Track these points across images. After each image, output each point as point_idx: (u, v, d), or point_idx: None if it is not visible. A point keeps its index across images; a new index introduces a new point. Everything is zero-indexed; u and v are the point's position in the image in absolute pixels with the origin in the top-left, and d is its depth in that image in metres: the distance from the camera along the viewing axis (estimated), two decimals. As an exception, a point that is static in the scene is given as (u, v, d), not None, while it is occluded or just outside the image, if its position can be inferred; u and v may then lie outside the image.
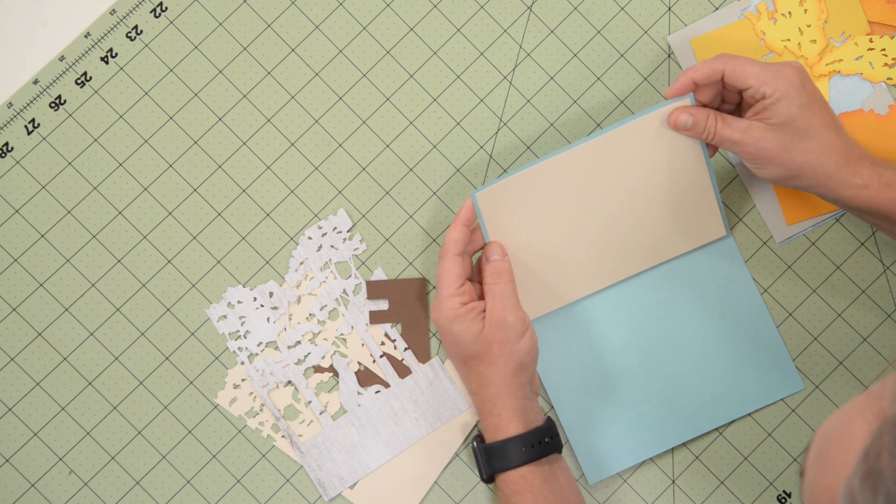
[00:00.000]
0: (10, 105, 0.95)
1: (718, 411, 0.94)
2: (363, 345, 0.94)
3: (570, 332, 0.94)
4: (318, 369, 0.93)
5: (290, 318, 0.94)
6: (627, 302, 0.94)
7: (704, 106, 0.89)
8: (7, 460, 0.93)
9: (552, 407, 0.93)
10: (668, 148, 0.91)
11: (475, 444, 0.89)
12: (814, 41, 0.96)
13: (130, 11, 0.96)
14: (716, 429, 0.94)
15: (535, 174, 0.90)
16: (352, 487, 0.93)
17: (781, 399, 0.94)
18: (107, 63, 0.96)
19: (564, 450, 0.93)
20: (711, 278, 0.94)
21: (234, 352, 0.93)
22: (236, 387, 0.93)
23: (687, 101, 0.90)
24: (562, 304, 0.94)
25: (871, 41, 0.96)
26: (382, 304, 0.94)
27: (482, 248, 0.90)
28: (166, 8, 0.96)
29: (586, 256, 0.93)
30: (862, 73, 0.96)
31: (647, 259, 0.94)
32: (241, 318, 0.94)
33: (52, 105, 0.95)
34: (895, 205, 0.86)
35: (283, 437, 0.93)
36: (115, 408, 0.93)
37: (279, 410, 0.93)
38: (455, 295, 0.87)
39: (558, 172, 0.91)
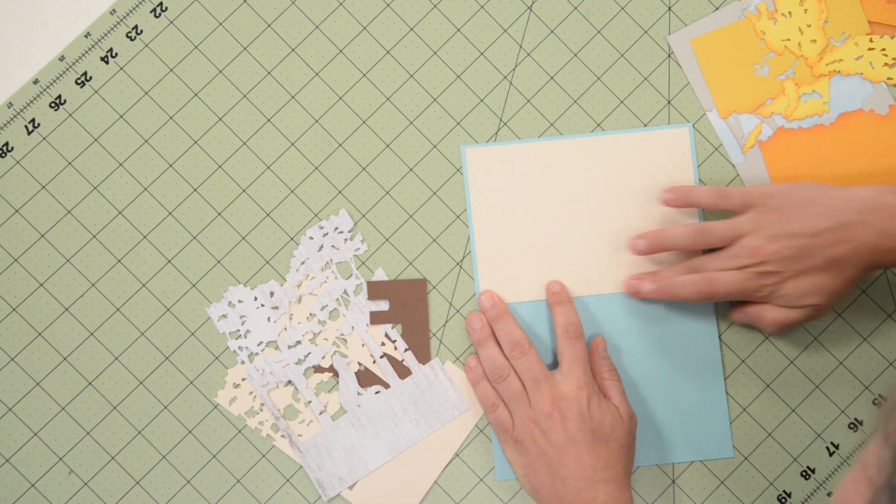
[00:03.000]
0: (10, 105, 0.95)
1: (651, 452, 0.93)
2: (363, 345, 0.94)
3: (529, 329, 0.94)
4: (318, 369, 0.93)
5: (290, 318, 0.94)
6: (596, 317, 0.94)
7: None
8: (7, 460, 0.93)
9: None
10: (661, 172, 0.94)
11: None
12: (814, 41, 0.96)
13: (130, 11, 0.96)
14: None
15: (527, 151, 0.94)
16: (351, 488, 0.93)
17: (708, 459, 0.94)
18: (107, 63, 0.96)
19: (480, 441, 0.93)
20: (679, 321, 0.94)
21: (234, 351, 0.93)
22: (236, 386, 0.93)
23: (686, 129, 0.93)
24: (528, 299, 0.94)
25: (871, 41, 0.96)
26: (383, 305, 0.94)
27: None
28: (166, 8, 0.96)
29: (564, 259, 0.94)
30: (862, 73, 0.96)
31: (620, 283, 0.94)
32: (241, 317, 0.94)
33: (52, 105, 0.95)
34: None
35: (282, 436, 0.93)
36: (115, 408, 0.93)
37: (279, 410, 0.93)
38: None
39: (550, 157, 0.95)
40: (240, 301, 0.94)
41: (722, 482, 0.94)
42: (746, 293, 0.89)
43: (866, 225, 0.85)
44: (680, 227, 0.90)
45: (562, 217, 0.94)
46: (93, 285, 0.94)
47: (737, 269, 0.88)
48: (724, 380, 0.94)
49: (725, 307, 0.95)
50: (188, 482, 0.93)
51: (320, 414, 0.93)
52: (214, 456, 0.93)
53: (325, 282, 0.94)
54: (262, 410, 0.93)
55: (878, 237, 0.84)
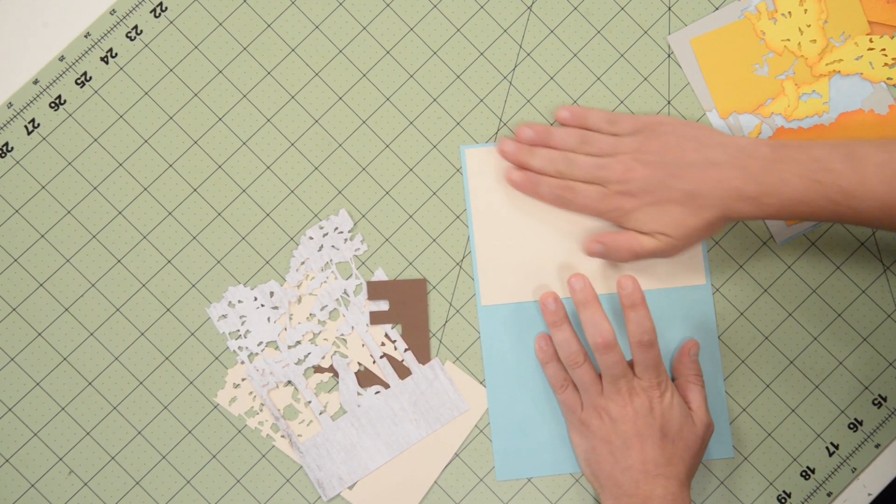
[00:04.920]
0: (10, 105, 0.95)
1: None
2: (363, 345, 0.94)
3: (528, 331, 0.94)
4: (318, 369, 0.93)
5: (290, 318, 0.94)
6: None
7: None
8: (7, 460, 0.93)
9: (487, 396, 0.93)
10: None
11: None
12: (814, 41, 0.96)
13: (130, 11, 0.96)
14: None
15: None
16: (351, 488, 0.93)
17: (710, 459, 0.94)
18: (107, 63, 0.96)
19: (480, 441, 0.93)
20: (679, 321, 0.94)
21: (234, 351, 0.93)
22: (236, 386, 0.93)
23: None
24: (527, 299, 0.94)
25: (871, 41, 0.96)
26: (383, 305, 0.94)
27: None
28: (166, 8, 0.96)
29: (563, 259, 0.94)
30: (862, 73, 0.96)
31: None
32: (241, 317, 0.94)
33: (52, 105, 0.95)
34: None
35: (282, 436, 0.93)
36: (115, 408, 0.93)
37: (279, 410, 0.93)
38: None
39: None
40: (240, 301, 0.94)
41: (722, 482, 0.94)
42: (601, 210, 0.90)
43: (734, 166, 0.86)
44: (567, 130, 0.92)
45: (561, 217, 0.94)
46: (93, 285, 0.94)
47: (599, 185, 0.90)
48: (724, 380, 0.94)
49: (725, 307, 0.95)
50: (188, 482, 0.93)
51: (320, 414, 0.93)
52: (214, 456, 0.93)
53: (325, 282, 0.94)
54: (262, 410, 0.93)
55: (743, 181, 0.85)
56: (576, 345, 0.90)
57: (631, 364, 0.89)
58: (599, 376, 0.89)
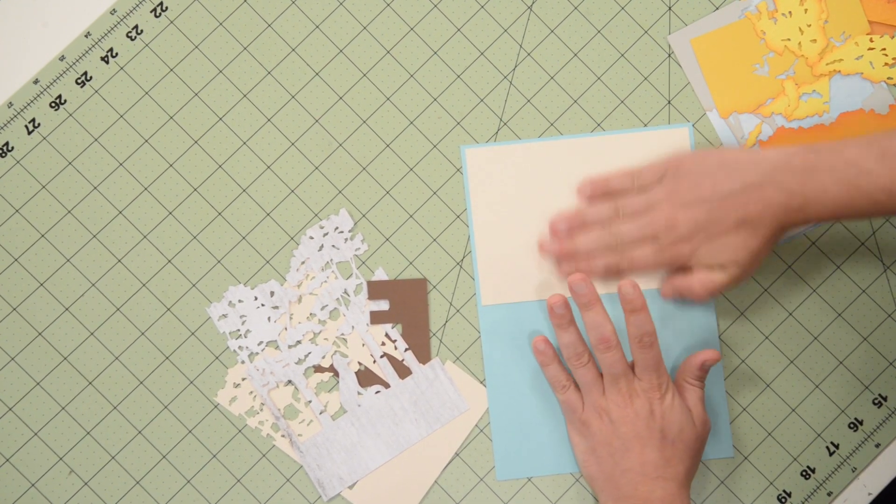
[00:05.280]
0: (10, 105, 0.95)
1: None
2: (364, 345, 0.94)
3: (528, 330, 0.94)
4: (318, 369, 0.93)
5: (290, 318, 0.94)
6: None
7: None
8: (7, 460, 0.93)
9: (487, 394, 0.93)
10: None
11: None
12: (814, 41, 0.96)
13: (130, 11, 0.96)
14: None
15: (527, 151, 0.95)
16: (351, 487, 0.93)
17: (710, 458, 0.94)
18: (107, 63, 0.96)
19: (480, 441, 0.93)
20: (679, 321, 0.94)
21: (234, 351, 0.93)
22: (236, 386, 0.93)
23: (685, 129, 0.93)
24: (528, 299, 0.94)
25: (871, 41, 0.96)
26: (383, 305, 0.94)
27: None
28: (166, 8, 0.96)
29: None
30: (862, 73, 0.96)
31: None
32: (241, 316, 0.94)
33: (53, 105, 0.95)
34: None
35: (282, 436, 0.93)
36: (115, 408, 0.93)
37: (279, 410, 0.93)
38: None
39: (550, 157, 0.95)
40: (240, 301, 0.94)
41: (722, 482, 0.94)
42: (663, 264, 0.90)
43: (773, 185, 0.85)
44: (598, 207, 0.91)
45: None
46: (93, 285, 0.94)
47: (650, 243, 0.89)
48: (724, 380, 0.94)
49: (725, 308, 0.95)
50: (188, 482, 0.93)
51: (320, 414, 0.93)
52: (214, 456, 0.93)
53: (326, 281, 0.94)
54: (262, 410, 0.93)
55: (786, 196, 0.85)
56: (581, 346, 0.90)
57: (632, 366, 0.89)
58: (601, 376, 0.90)
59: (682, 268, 0.90)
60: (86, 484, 0.92)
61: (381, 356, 0.94)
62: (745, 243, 0.87)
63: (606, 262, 0.90)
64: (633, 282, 0.87)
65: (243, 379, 0.93)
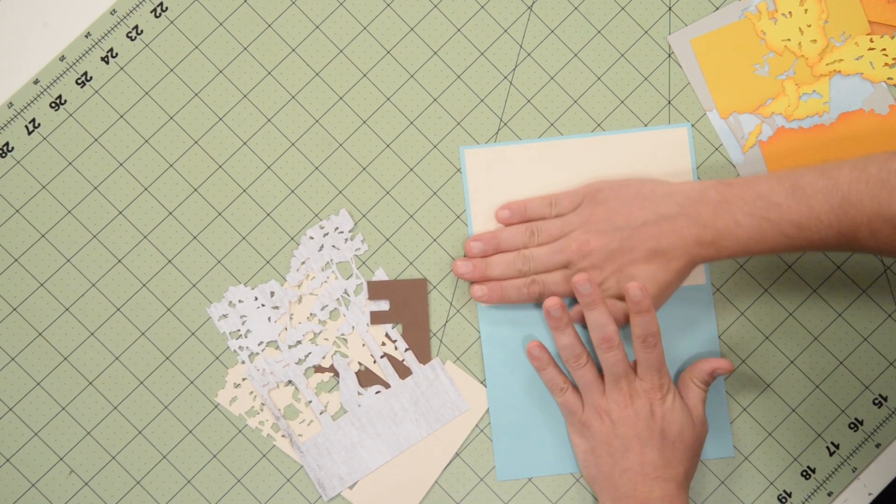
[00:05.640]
0: (10, 105, 0.95)
1: None
2: (364, 345, 0.94)
3: (528, 330, 0.94)
4: (318, 369, 0.93)
5: (291, 318, 0.94)
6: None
7: None
8: (7, 460, 0.93)
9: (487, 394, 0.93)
10: (661, 172, 0.95)
11: None
12: (814, 41, 0.96)
13: (131, 11, 0.96)
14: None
15: (527, 151, 0.95)
16: (351, 488, 0.93)
17: (711, 458, 0.94)
18: (107, 63, 0.96)
19: (480, 441, 0.93)
20: (679, 321, 0.94)
21: (234, 351, 0.93)
22: (237, 386, 0.93)
23: (684, 129, 0.94)
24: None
25: (871, 41, 0.96)
26: (383, 305, 0.94)
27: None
28: (166, 8, 0.96)
29: None
30: (862, 73, 0.96)
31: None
32: (242, 317, 0.94)
33: (53, 105, 0.95)
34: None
35: (283, 436, 0.93)
36: (115, 408, 0.93)
37: (279, 410, 0.93)
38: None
39: (550, 158, 0.95)
40: (240, 301, 0.94)
41: (722, 482, 0.94)
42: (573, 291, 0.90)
43: (687, 217, 0.86)
44: (513, 228, 0.92)
45: None
46: (93, 285, 0.94)
47: (563, 268, 0.90)
48: (724, 380, 0.94)
49: (725, 308, 0.95)
50: (188, 482, 0.93)
51: (320, 414, 0.93)
52: (215, 456, 0.93)
53: (326, 282, 0.94)
54: (262, 410, 0.93)
55: (698, 229, 0.86)
56: (580, 347, 0.90)
57: (634, 366, 0.89)
58: (601, 377, 0.90)
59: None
60: (86, 484, 0.92)
61: (382, 356, 0.94)
62: (655, 275, 0.88)
63: (516, 284, 0.91)
64: (641, 284, 0.87)
65: (243, 379, 0.93)
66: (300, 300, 0.94)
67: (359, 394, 0.93)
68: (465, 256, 0.94)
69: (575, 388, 0.91)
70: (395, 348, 0.94)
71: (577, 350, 0.90)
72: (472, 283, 0.93)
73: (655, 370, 0.88)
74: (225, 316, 0.94)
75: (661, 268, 0.88)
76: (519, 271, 0.91)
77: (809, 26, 0.96)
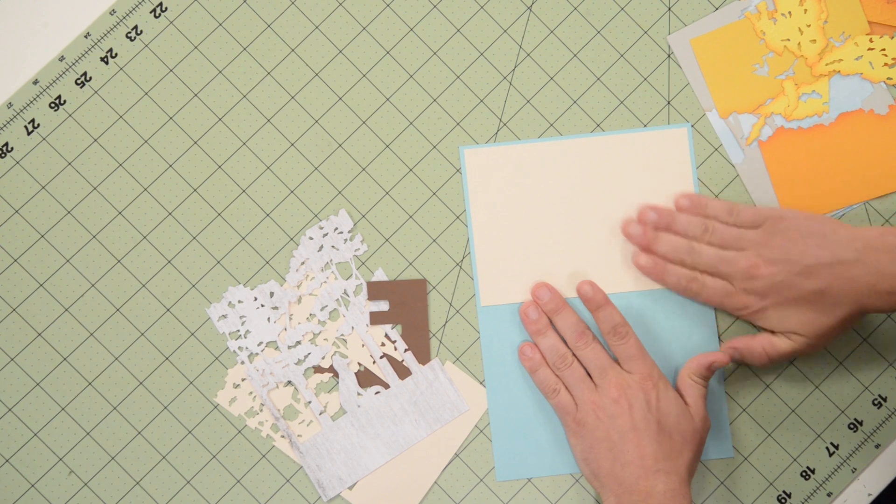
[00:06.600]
0: (10, 105, 0.95)
1: None
2: (363, 345, 0.94)
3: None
4: (318, 369, 0.93)
5: (290, 318, 0.94)
6: (591, 321, 0.94)
7: None
8: (7, 460, 0.93)
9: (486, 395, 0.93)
10: (661, 172, 0.94)
11: None
12: (814, 41, 0.96)
13: (130, 11, 0.96)
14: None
15: (526, 152, 0.95)
16: (351, 488, 0.93)
17: (710, 459, 0.94)
18: (107, 63, 0.96)
19: (480, 441, 0.93)
20: (679, 321, 0.94)
21: (234, 351, 0.93)
22: (236, 386, 0.93)
23: (684, 129, 0.93)
24: (528, 300, 0.94)
25: (871, 41, 0.96)
26: (383, 305, 0.94)
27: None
28: (166, 8, 0.96)
29: (563, 260, 0.94)
30: (862, 73, 0.96)
31: (621, 283, 0.94)
32: (241, 317, 0.94)
33: (52, 105, 0.95)
34: None
35: (282, 437, 0.93)
36: (115, 408, 0.93)
37: (279, 410, 0.93)
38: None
39: (549, 158, 0.95)
40: (240, 301, 0.94)
41: (722, 482, 0.94)
42: (729, 307, 0.90)
43: (864, 264, 0.85)
44: (689, 218, 0.91)
45: (561, 217, 0.94)
46: (93, 285, 0.94)
47: (724, 279, 0.89)
48: (724, 380, 0.94)
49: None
50: (188, 482, 0.93)
51: (320, 414, 0.93)
52: (214, 456, 0.93)
53: (325, 282, 0.94)
54: (262, 411, 0.93)
55: (876, 277, 0.84)
56: (563, 347, 0.91)
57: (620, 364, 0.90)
58: (589, 375, 0.90)
59: (743, 318, 0.91)
60: (85, 484, 0.93)
61: (381, 357, 0.94)
62: (816, 318, 0.86)
63: (679, 273, 0.91)
64: (590, 281, 0.88)
65: (243, 379, 0.93)
66: (300, 300, 0.94)
67: (358, 394, 0.93)
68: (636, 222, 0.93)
69: (568, 389, 0.91)
70: (395, 349, 0.94)
71: (560, 350, 0.90)
72: (638, 252, 0.92)
73: (639, 358, 0.88)
74: (224, 316, 0.94)
75: (824, 312, 0.86)
76: (682, 260, 0.91)
77: (809, 26, 0.96)
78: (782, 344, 0.88)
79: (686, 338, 0.94)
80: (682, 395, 0.89)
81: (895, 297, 0.85)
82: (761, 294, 0.88)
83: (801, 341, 0.88)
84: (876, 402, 0.95)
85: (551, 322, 0.92)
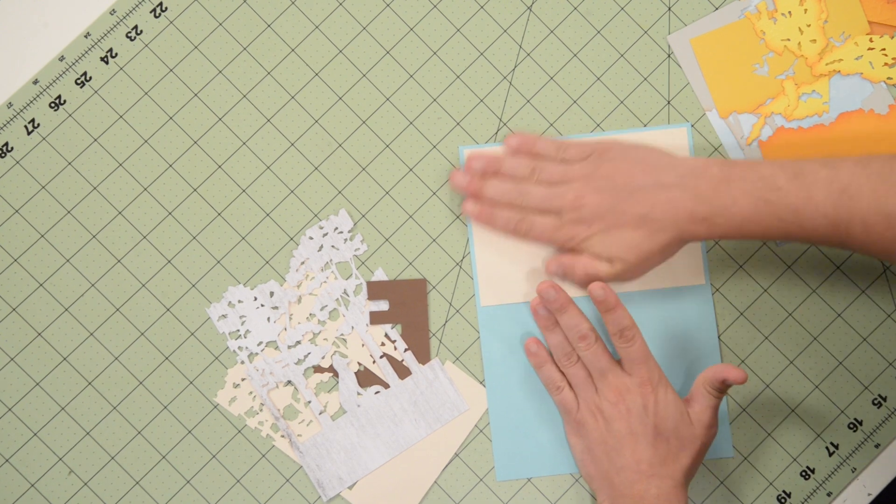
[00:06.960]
0: (10, 105, 0.95)
1: None
2: (363, 345, 0.94)
3: (528, 331, 0.94)
4: (317, 369, 0.93)
5: (290, 318, 0.94)
6: (594, 317, 0.93)
7: None
8: (7, 460, 0.93)
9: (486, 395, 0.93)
10: None
11: None
12: (814, 41, 0.96)
13: (130, 11, 0.96)
14: (716, 429, 0.94)
15: None
16: (351, 488, 0.93)
17: (710, 458, 0.94)
18: (107, 63, 0.96)
19: (480, 441, 0.93)
20: (679, 321, 0.94)
21: (234, 351, 0.93)
22: (236, 386, 0.93)
23: (684, 129, 0.93)
24: (527, 300, 0.94)
25: (871, 41, 0.96)
26: (383, 305, 0.94)
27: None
28: (166, 8, 0.96)
29: None
30: (862, 73, 0.96)
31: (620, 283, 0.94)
32: (241, 317, 0.94)
33: (52, 105, 0.95)
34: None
35: (282, 436, 0.93)
36: (115, 408, 0.93)
37: (279, 410, 0.93)
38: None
39: None
40: (240, 301, 0.94)
41: (722, 482, 0.94)
42: (558, 240, 0.90)
43: (684, 188, 0.86)
44: (517, 159, 0.92)
45: None
46: (93, 285, 0.94)
47: (554, 214, 0.90)
48: None
49: (725, 307, 0.95)
50: (188, 482, 0.93)
51: (320, 414, 0.93)
52: (214, 456, 0.93)
53: (325, 282, 0.94)
54: (261, 410, 0.93)
55: (694, 202, 0.85)
56: (568, 346, 0.90)
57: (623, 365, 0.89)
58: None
59: (573, 249, 0.90)
60: (85, 484, 0.93)
61: (381, 356, 0.94)
62: (639, 242, 0.87)
63: (506, 217, 0.91)
64: (602, 283, 0.87)
65: (243, 379, 0.93)
66: (299, 300, 0.94)
67: (358, 394, 0.93)
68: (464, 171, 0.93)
69: (572, 387, 0.91)
70: (395, 348, 0.94)
71: (567, 348, 0.90)
72: (465, 201, 0.93)
73: (642, 363, 0.88)
74: (224, 316, 0.94)
75: (647, 237, 0.87)
76: (511, 202, 0.91)
77: (809, 26, 0.96)
78: (603, 267, 0.89)
79: (686, 338, 0.94)
80: (692, 401, 0.88)
81: (711, 224, 0.85)
82: (588, 222, 0.88)
83: (621, 266, 0.88)
84: (876, 401, 0.95)
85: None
